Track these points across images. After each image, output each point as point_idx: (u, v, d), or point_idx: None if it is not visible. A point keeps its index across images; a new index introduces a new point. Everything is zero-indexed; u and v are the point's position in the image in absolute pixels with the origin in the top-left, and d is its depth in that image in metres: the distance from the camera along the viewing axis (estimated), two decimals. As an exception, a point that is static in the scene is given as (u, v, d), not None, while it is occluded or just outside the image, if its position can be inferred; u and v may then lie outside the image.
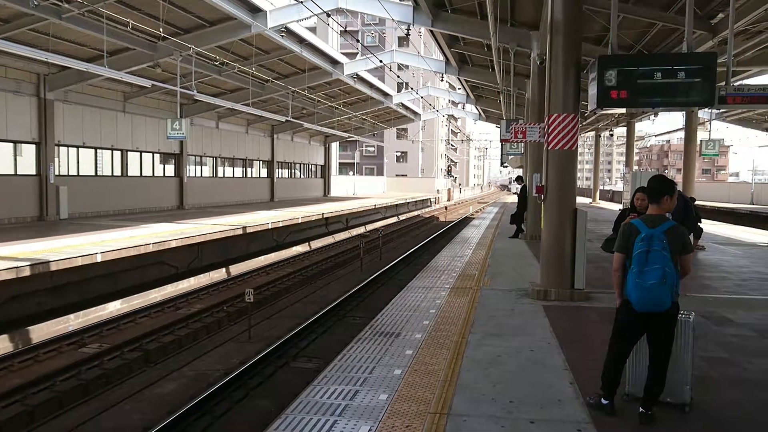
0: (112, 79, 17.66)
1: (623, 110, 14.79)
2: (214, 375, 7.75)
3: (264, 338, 9.46)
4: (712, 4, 12.01)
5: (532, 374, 4.78)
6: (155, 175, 23.68)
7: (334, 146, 46.81)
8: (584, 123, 28.75)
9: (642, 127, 51.02)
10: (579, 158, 10.53)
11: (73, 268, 10.99)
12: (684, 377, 3.97)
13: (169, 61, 17.36)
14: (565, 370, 4.85)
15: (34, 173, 17.75)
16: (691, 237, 7.48)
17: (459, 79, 26.27)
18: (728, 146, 74.45)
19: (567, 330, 6.20)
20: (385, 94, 32.26)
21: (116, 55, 16.71)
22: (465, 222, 28.31)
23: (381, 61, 22.78)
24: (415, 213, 39.20)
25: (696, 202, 13.32)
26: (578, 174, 9.42)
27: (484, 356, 5.23)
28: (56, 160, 18.26)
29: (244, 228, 17.45)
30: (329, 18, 15.21)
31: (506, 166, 49.98)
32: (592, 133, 39.46)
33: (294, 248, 19.77)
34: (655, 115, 27.93)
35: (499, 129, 16.22)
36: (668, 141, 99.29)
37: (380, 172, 65.86)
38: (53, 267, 10.53)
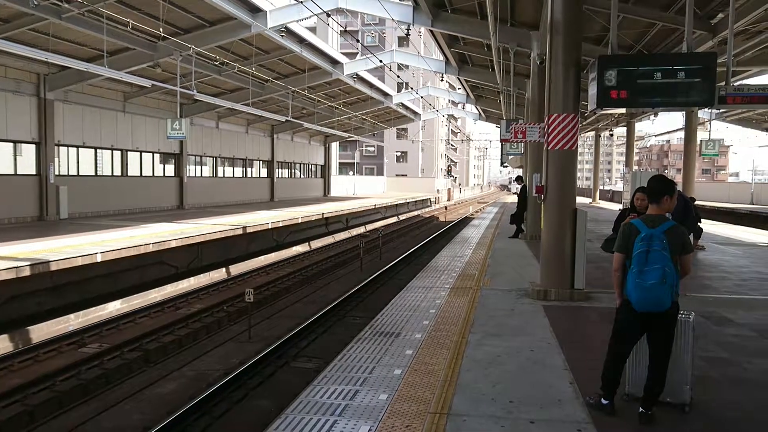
0: (112, 79, 17.66)
1: (623, 110, 14.78)
2: (213, 375, 7.75)
3: (264, 338, 9.46)
4: (712, 4, 12.01)
5: (532, 374, 4.78)
6: (155, 175, 23.68)
7: (334, 146, 46.81)
8: (584, 123, 28.75)
9: (642, 127, 51.07)
10: (579, 158, 10.54)
11: (73, 268, 10.99)
12: (684, 377, 3.97)
13: (169, 61, 17.36)
14: (565, 370, 4.85)
15: (34, 173, 17.75)
16: (691, 237, 7.48)
17: (459, 79, 26.27)
18: (728, 146, 74.49)
19: (567, 330, 6.20)
20: (385, 94, 32.26)
21: (116, 55, 16.71)
22: (465, 222, 28.31)
23: (381, 61, 22.79)
24: (415, 213, 39.20)
25: (696, 202, 13.32)
26: (578, 174, 9.42)
27: (484, 356, 5.23)
28: (56, 160, 18.26)
29: (244, 228, 17.45)
30: (329, 18, 15.20)
31: (506, 166, 50.01)
32: (592, 133, 39.47)
33: (294, 248, 19.77)
34: (655, 115, 27.93)
35: (499, 129, 16.23)
36: (668, 141, 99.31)
37: (380, 172, 65.87)
38: (53, 267, 10.53)
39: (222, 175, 28.77)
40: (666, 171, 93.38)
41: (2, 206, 16.57)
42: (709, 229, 16.36)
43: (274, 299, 12.53)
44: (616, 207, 25.69)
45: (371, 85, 29.27)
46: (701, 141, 22.95)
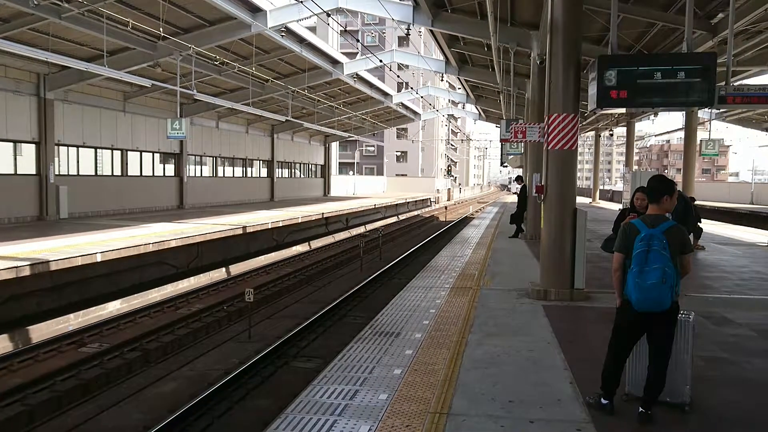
0: (112, 78, 17.65)
1: (623, 110, 14.81)
2: (214, 375, 7.75)
3: (264, 338, 9.46)
4: (712, 4, 12.01)
5: (531, 374, 4.78)
6: (155, 174, 23.68)
7: (334, 146, 46.82)
8: (584, 123, 28.75)
9: (642, 127, 51.06)
10: (579, 158, 10.53)
11: (73, 268, 10.99)
12: (684, 377, 3.97)
13: (169, 61, 17.36)
14: (565, 370, 4.85)
15: (34, 173, 17.75)
16: (691, 237, 7.49)
17: (459, 78, 26.28)
18: (728, 146, 74.55)
19: (567, 330, 6.20)
20: (385, 94, 32.26)
21: (116, 55, 16.70)
22: (465, 222, 28.31)
23: (381, 61, 22.78)
24: (415, 213, 39.19)
25: (696, 202, 13.33)
26: (578, 174, 9.42)
27: (484, 356, 5.23)
28: (56, 159, 18.26)
29: (244, 228, 17.45)
30: (329, 18, 15.21)
31: (506, 166, 49.98)
32: (592, 133, 39.47)
33: (294, 248, 19.77)
34: (655, 115, 27.94)
35: (499, 129, 16.24)
36: (668, 141, 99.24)
37: (380, 172, 65.87)
38: (53, 267, 10.53)
39: (222, 175, 28.77)
40: (666, 171, 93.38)
41: (2, 206, 16.57)
42: (709, 229, 16.35)
43: (274, 299, 12.53)
44: (616, 207, 25.68)
45: (371, 85, 29.27)
46: (701, 141, 22.98)
